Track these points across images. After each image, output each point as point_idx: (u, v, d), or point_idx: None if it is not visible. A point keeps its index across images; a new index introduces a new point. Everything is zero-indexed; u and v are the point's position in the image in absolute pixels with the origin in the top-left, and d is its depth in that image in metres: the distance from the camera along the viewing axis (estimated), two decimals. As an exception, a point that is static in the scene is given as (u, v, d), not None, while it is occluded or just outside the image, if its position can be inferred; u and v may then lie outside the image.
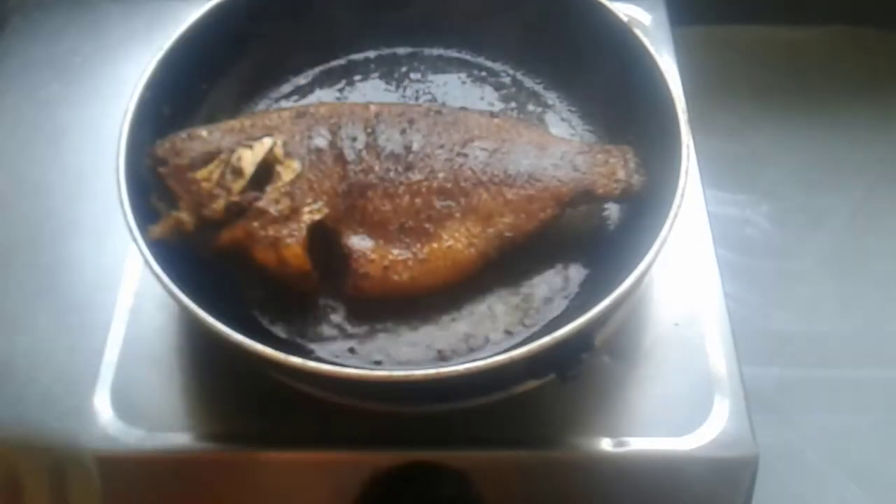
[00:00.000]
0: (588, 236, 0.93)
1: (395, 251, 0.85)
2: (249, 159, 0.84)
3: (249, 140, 0.87)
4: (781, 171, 1.39)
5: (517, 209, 0.87)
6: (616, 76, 0.96)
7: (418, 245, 0.86)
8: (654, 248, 0.78)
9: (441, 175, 0.87)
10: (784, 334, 1.24)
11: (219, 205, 0.82)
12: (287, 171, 0.85)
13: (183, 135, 0.88)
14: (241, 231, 0.82)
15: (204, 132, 0.89)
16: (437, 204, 0.86)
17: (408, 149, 0.88)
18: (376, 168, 0.87)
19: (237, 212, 0.82)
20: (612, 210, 0.94)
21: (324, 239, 0.85)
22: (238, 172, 0.83)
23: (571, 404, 0.87)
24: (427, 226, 0.86)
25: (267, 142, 0.86)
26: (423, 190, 0.87)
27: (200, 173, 0.85)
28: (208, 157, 0.86)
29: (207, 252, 0.84)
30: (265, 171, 0.84)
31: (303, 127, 0.89)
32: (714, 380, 0.89)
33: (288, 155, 0.86)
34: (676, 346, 0.91)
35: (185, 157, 0.85)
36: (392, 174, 0.87)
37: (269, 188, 0.84)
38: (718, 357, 0.90)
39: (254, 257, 0.82)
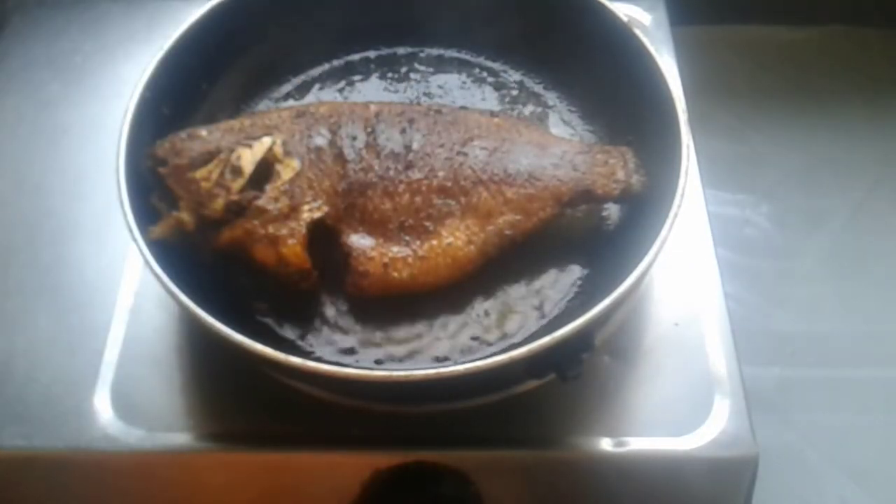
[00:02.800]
0: (588, 236, 0.93)
1: (395, 249, 0.85)
2: (249, 158, 0.84)
3: (249, 139, 0.87)
4: (781, 171, 1.39)
5: (517, 208, 0.88)
6: (616, 76, 0.96)
7: (418, 243, 0.86)
8: (654, 248, 0.78)
9: (441, 174, 0.88)
10: (784, 334, 1.24)
11: (218, 204, 0.82)
12: (286, 170, 0.85)
13: (182, 135, 0.88)
14: (241, 230, 0.82)
15: (203, 132, 0.89)
16: (437, 202, 0.87)
17: (408, 148, 0.89)
18: (376, 167, 0.87)
19: (237, 211, 0.82)
20: (612, 210, 0.94)
21: (323, 238, 0.85)
22: (237, 172, 0.83)
23: (571, 404, 0.87)
24: (427, 224, 0.86)
25: (266, 141, 0.86)
26: (423, 188, 0.87)
27: (200, 173, 0.85)
28: (208, 157, 0.86)
29: (208, 252, 0.84)
30: (265, 171, 0.84)
31: (302, 126, 0.89)
32: (714, 380, 0.88)
33: (287, 154, 0.86)
34: (676, 346, 0.91)
35: (184, 157, 0.85)
36: (392, 173, 0.87)
37: (268, 187, 0.84)
38: (718, 357, 0.90)
39: (253, 256, 0.82)
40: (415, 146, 0.89)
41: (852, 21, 1.48)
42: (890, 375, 1.22)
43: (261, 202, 0.83)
